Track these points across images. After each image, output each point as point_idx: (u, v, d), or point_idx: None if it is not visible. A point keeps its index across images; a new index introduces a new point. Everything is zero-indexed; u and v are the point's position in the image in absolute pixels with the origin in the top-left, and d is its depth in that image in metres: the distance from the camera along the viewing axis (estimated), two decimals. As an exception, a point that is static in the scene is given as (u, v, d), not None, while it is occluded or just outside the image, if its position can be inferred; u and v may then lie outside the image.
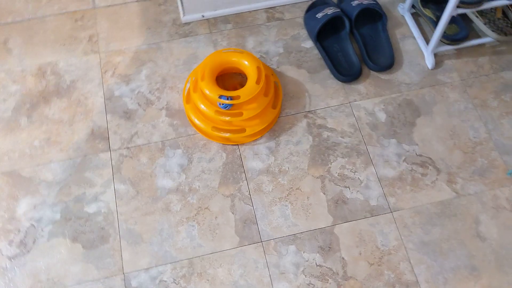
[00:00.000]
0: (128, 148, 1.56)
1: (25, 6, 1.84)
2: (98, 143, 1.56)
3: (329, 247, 1.41)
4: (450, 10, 1.51)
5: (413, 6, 1.79)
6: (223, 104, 1.49)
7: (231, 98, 1.48)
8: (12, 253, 1.40)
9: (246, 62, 1.55)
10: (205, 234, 1.43)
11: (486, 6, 1.54)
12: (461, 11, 1.53)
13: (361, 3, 1.72)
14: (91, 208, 1.46)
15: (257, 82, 1.50)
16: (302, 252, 1.41)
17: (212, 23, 1.80)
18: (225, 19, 1.81)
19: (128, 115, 1.61)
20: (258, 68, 1.52)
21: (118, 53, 1.73)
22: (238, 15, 1.82)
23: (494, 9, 1.72)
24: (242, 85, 1.63)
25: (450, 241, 1.42)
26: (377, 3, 1.77)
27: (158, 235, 1.42)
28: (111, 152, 1.55)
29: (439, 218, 1.45)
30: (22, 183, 1.50)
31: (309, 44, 1.76)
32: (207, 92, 1.49)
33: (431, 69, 1.71)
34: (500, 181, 1.51)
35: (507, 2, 1.54)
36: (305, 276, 1.38)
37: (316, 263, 1.39)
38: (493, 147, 1.57)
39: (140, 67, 1.70)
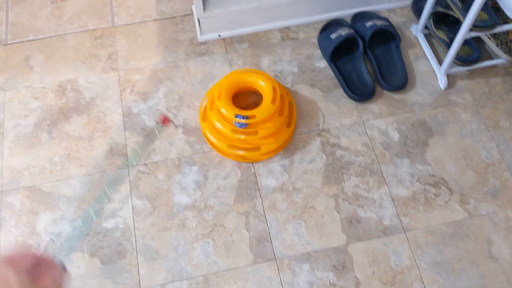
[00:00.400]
0: (145, 164, 1.59)
1: (47, 24, 1.89)
2: (116, 159, 1.60)
3: (343, 266, 1.43)
4: (463, 33, 1.54)
5: (426, 27, 1.82)
6: (239, 123, 1.52)
7: (247, 117, 1.51)
8: (32, 267, 1.43)
9: (261, 82, 1.58)
10: (220, 251, 1.45)
11: (498, 29, 1.56)
12: (474, 34, 1.56)
13: (375, 24, 1.75)
14: (109, 224, 1.49)
15: (272, 102, 1.53)
16: (316, 270, 1.43)
17: (228, 42, 1.84)
18: (241, 38, 1.85)
19: (145, 132, 1.65)
20: (274, 88, 1.56)
21: (137, 71, 1.77)
22: (253, 34, 1.86)
23: (507, 31, 1.75)
24: (256, 103, 1.66)
25: (463, 261, 1.43)
26: (391, 24, 1.80)
27: (174, 251, 1.45)
28: (129, 168, 1.58)
29: (452, 238, 1.47)
30: (42, 198, 1.54)
31: (323, 63, 1.79)
32: (223, 111, 1.52)
33: (444, 90, 1.73)
34: (513, 202, 1.53)
35: (520, 26, 1.56)
36: (319, 294, 1.40)
37: (329, 281, 1.41)
38: (506, 168, 1.58)
39: (158, 85, 1.74)
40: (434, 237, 1.47)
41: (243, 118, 1.51)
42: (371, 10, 1.89)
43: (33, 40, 1.85)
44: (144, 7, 1.93)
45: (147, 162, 1.59)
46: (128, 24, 1.89)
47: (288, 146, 1.63)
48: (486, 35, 1.77)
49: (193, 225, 1.49)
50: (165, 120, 1.57)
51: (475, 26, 1.54)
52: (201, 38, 1.83)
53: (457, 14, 1.60)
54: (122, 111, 1.69)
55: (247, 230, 1.49)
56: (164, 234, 1.48)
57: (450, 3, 1.62)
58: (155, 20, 1.90)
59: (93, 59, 1.80)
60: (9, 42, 1.84)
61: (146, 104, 1.70)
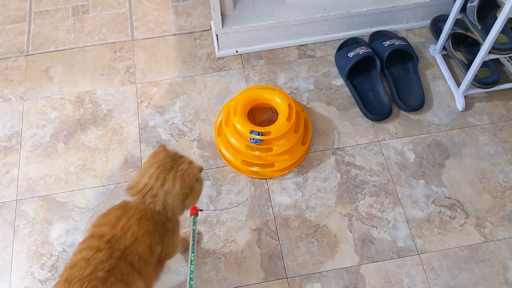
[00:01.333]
0: (159, 177, 1.59)
1: (67, 36, 1.92)
2: (131, 171, 1.61)
3: (355, 287, 1.41)
4: (482, 56, 1.53)
5: (444, 48, 1.81)
6: (253, 139, 1.52)
7: (262, 133, 1.51)
8: (44, 277, 1.44)
9: (278, 99, 1.58)
10: (231, 267, 1.44)
11: (518, 52, 1.55)
12: (492, 56, 1.55)
13: (393, 43, 1.75)
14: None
15: (288, 119, 1.53)
16: (327, 290, 1.41)
17: (245, 58, 1.85)
18: (258, 54, 1.86)
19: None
20: (290, 106, 1.56)
21: (154, 84, 1.79)
22: (270, 51, 1.87)
23: (526, 54, 1.73)
24: (272, 120, 1.67)
25: (477, 286, 1.40)
26: (409, 44, 1.80)
27: (185, 266, 1.45)
28: (143, 181, 1.59)
29: (467, 262, 1.44)
30: (57, 208, 1.55)
31: (339, 81, 1.79)
32: (238, 127, 1.53)
33: (461, 111, 1.71)
34: (530, 227, 1.50)
35: (540, 49, 1.55)
36: (330, 315, 1.38)
37: (341, 302, 1.39)
38: (523, 193, 1.56)
39: (175, 99, 1.76)
40: (449, 261, 1.44)
41: (258, 134, 1.51)
42: (389, 29, 1.89)
43: (53, 51, 1.89)
44: (164, 21, 1.95)
45: (161, 175, 1.59)
46: (147, 38, 1.91)
47: (302, 164, 1.62)
48: (505, 57, 1.76)
49: (205, 239, 1.49)
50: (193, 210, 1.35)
51: (494, 49, 1.53)
52: (218, 53, 1.85)
53: (476, 35, 1.59)
54: (139, 123, 1.70)
55: (259, 247, 1.48)
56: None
57: (469, 24, 1.61)
58: (174, 34, 1.92)
59: (111, 71, 1.83)
60: (30, 53, 1.88)
61: (162, 118, 1.71)
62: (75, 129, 1.70)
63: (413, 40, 1.88)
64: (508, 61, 1.76)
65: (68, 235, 1.50)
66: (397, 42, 1.75)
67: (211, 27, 1.91)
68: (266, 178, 1.60)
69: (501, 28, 1.45)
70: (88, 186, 1.58)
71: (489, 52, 1.54)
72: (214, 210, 1.54)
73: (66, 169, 1.62)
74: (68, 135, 1.68)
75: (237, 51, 1.85)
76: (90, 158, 1.64)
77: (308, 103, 1.75)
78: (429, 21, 1.90)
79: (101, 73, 1.82)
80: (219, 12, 1.69)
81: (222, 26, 1.75)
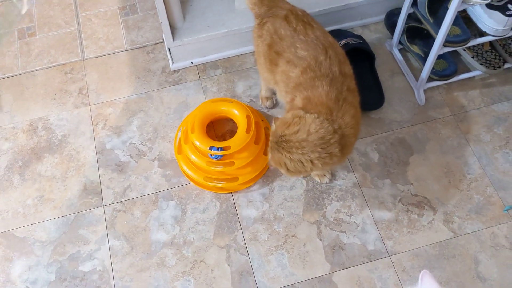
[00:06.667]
0: (121, 202, 1.55)
1: (15, 61, 1.85)
2: (91, 198, 1.56)
3: (328, 296, 1.39)
4: (436, 50, 1.51)
5: (400, 43, 1.80)
6: (214, 155, 1.48)
7: (222, 148, 1.47)
8: (7, 319, 1.38)
9: (235, 111, 1.55)
10: (202, 288, 1.41)
11: (472, 43, 1.54)
12: (447, 49, 1.54)
13: (348, 42, 1.73)
14: (86, 267, 1.45)
15: (247, 131, 1.50)
16: (301, 302, 1.39)
17: (201, 69, 1.81)
18: (214, 64, 1.82)
19: (120, 168, 1.61)
20: (248, 117, 1.52)
21: (109, 104, 1.74)
22: (226, 59, 1.83)
23: (482, 43, 1.73)
24: (233, 131, 1.63)
25: (450, 284, 1.40)
26: (364, 41, 1.77)
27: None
28: (105, 207, 1.54)
29: (438, 260, 1.43)
30: (16, 243, 1.49)
31: (298, 85, 1.76)
32: (197, 143, 1.49)
33: (422, 105, 1.70)
34: (498, 218, 1.50)
35: (492, 38, 1.54)
36: (305, 328, 1.36)
37: (315, 313, 1.37)
38: (489, 183, 1.55)
39: (131, 117, 1.71)
40: (420, 260, 1.43)
41: (218, 149, 1.48)
42: (344, 27, 1.87)
43: (1, 78, 1.81)
44: (114, 37, 1.89)
45: (122, 199, 1.55)
46: (98, 56, 1.85)
47: (267, 174, 1.59)
48: (461, 48, 1.75)
49: (173, 262, 1.45)
50: None
51: (448, 42, 1.52)
52: (173, 66, 1.80)
53: (429, 29, 1.58)
54: (95, 147, 1.65)
55: (229, 265, 1.45)
56: (143, 275, 1.43)
57: (421, 18, 1.60)
58: (126, 50, 1.86)
59: (63, 94, 1.76)
60: (-23, 82, 1.80)
61: (120, 139, 1.66)
62: (30, 159, 1.63)
63: (368, 36, 1.86)
64: (465, 50, 1.75)
65: (31, 271, 1.45)
66: (352, 41, 1.73)
67: (163, 39, 1.86)
68: (231, 192, 1.57)
69: (453, 20, 1.43)
70: (47, 218, 1.53)
71: (443, 46, 1.53)
72: None
73: (23, 202, 1.56)
74: (23, 166, 1.62)
75: (192, 63, 1.80)
76: (47, 188, 1.58)
77: (268, 111, 1.72)
78: (383, 16, 1.89)
79: (53, 97, 1.76)
80: (168, 26, 1.64)
81: (174, 39, 1.70)
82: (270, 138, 1.26)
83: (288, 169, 1.23)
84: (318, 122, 1.19)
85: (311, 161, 1.19)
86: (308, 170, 1.21)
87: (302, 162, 1.19)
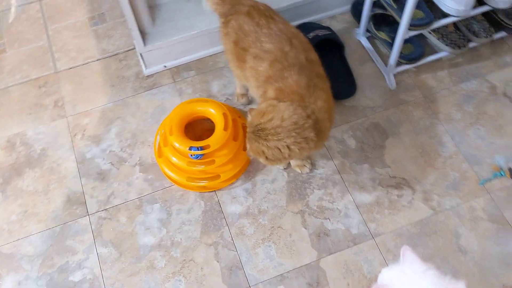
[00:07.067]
0: (106, 210, 1.56)
1: (-13, 79, 1.84)
2: (75, 209, 1.56)
3: (317, 283, 1.42)
4: (401, 34, 1.56)
5: (368, 31, 1.84)
6: (194, 154, 1.50)
7: (201, 148, 1.49)
8: (1, 335, 1.38)
9: (212, 110, 1.57)
10: (192, 287, 1.43)
11: (435, 25, 1.59)
12: (412, 33, 1.58)
13: (317, 34, 1.76)
14: (76, 277, 1.46)
15: (225, 128, 1.52)
16: (291, 291, 1.42)
17: (175, 72, 1.83)
18: (187, 66, 1.84)
19: (102, 176, 1.62)
20: (224, 115, 1.54)
21: (85, 114, 1.74)
22: (199, 61, 1.84)
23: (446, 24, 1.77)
24: (212, 129, 1.65)
25: (434, 259, 1.44)
26: (333, 32, 1.81)
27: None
28: (90, 216, 1.55)
29: (420, 237, 1.48)
30: (4, 260, 1.49)
31: (272, 80, 1.79)
32: (177, 145, 1.50)
33: (393, 90, 1.75)
34: (474, 192, 1.55)
35: (455, 19, 1.59)
36: (297, 315, 1.39)
37: (306, 300, 1.40)
38: (463, 159, 1.60)
39: (109, 125, 1.71)
40: (403, 239, 1.47)
41: (198, 149, 1.49)
42: (312, 20, 1.90)
43: (-25, 97, 1.81)
44: (85, 48, 1.90)
45: (107, 207, 1.56)
46: (71, 68, 1.85)
47: (248, 169, 1.62)
48: (426, 31, 1.80)
49: (162, 264, 1.47)
50: None
51: (412, 25, 1.56)
52: (146, 71, 1.81)
53: (393, 15, 1.62)
54: (76, 158, 1.65)
55: (218, 261, 1.47)
56: (134, 279, 1.44)
57: (385, 5, 1.64)
58: (98, 59, 1.87)
59: (39, 108, 1.77)
60: (-49, 103, 1.79)
61: (99, 147, 1.67)
62: (11, 175, 1.63)
63: (337, 27, 1.90)
64: (430, 33, 1.80)
65: (21, 286, 1.45)
66: (321, 33, 1.77)
67: (135, 45, 1.87)
68: (214, 190, 1.59)
69: (415, 4, 1.47)
70: (33, 232, 1.53)
71: (409, 29, 1.57)
72: None
73: (7, 218, 1.56)
74: (4, 183, 1.62)
75: (165, 66, 1.82)
76: (31, 202, 1.58)
77: (245, 107, 1.74)
78: (349, 6, 1.92)
79: (28, 112, 1.76)
80: (138, 31, 1.66)
81: (145, 44, 1.71)
82: (247, 129, 1.29)
83: (267, 157, 1.26)
84: (291, 108, 1.22)
85: (288, 146, 1.22)
86: (286, 156, 1.24)
87: (279, 149, 1.22)
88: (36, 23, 1.98)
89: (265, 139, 1.22)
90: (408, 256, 1.09)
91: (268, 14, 1.40)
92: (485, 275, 1.41)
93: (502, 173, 1.56)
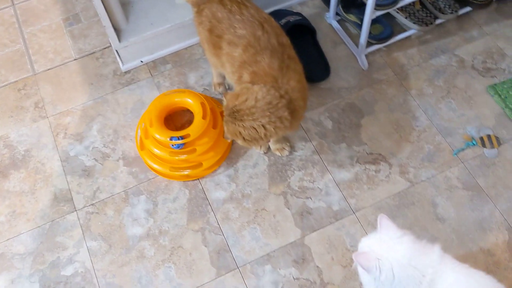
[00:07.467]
0: (93, 204, 1.59)
1: (-34, 85, 1.86)
2: (63, 206, 1.59)
3: (303, 259, 1.47)
4: (369, 15, 1.60)
5: (337, 14, 1.88)
6: (175, 144, 1.54)
7: (182, 137, 1.53)
8: (-2, 333, 1.41)
9: (189, 100, 1.60)
10: (183, 272, 1.47)
11: (401, 4, 1.64)
12: (379, 13, 1.63)
13: (289, 20, 1.80)
14: (68, 271, 1.49)
15: (204, 117, 1.56)
16: (278, 269, 1.46)
17: (152, 66, 1.86)
18: (164, 60, 1.87)
19: (87, 172, 1.65)
20: (202, 104, 1.58)
21: (66, 113, 1.77)
22: (175, 54, 1.88)
23: (413, 2, 1.83)
24: (191, 120, 1.69)
25: (413, 228, 1.49)
26: (304, 18, 1.85)
27: (138, 283, 1.46)
28: (77, 212, 1.58)
29: (399, 209, 1.53)
30: (-5, 261, 1.52)
31: (248, 68, 1.83)
32: (158, 136, 1.54)
33: (366, 70, 1.80)
34: (448, 162, 1.60)
35: (419, -3, 1.64)
36: (285, 292, 1.43)
37: (293, 277, 1.45)
38: (436, 132, 1.66)
39: (90, 123, 1.74)
40: (382, 212, 1.52)
41: (178, 139, 1.53)
42: (283, 7, 1.94)
43: (-45, 104, 1.82)
44: (62, 49, 1.92)
45: (94, 202, 1.59)
46: (49, 69, 1.87)
47: (229, 156, 1.66)
48: (394, 10, 1.85)
49: (152, 253, 1.50)
50: None
51: (378, 5, 1.61)
52: (124, 67, 1.84)
53: (360, -3, 1.67)
54: (60, 156, 1.68)
55: (205, 246, 1.51)
56: (125, 269, 1.48)
57: (351, -13, 1.69)
58: (75, 59, 1.89)
59: (20, 111, 1.79)
60: None
61: (82, 145, 1.70)
62: (-4, 177, 1.66)
63: (307, 12, 1.94)
64: (398, 12, 1.85)
65: (14, 284, 1.48)
66: (292, 19, 1.81)
67: (110, 43, 1.90)
68: (198, 179, 1.63)
69: (380, -15, 1.52)
70: (23, 231, 1.56)
71: (375, 9, 1.61)
72: None
73: (-4, 220, 1.58)
74: (-10, 186, 1.64)
75: (142, 61, 1.85)
76: (18, 203, 1.60)
77: (223, 96, 1.78)
78: (319, -9, 1.97)
79: (10, 115, 1.78)
80: (112, 29, 1.68)
81: (120, 41, 1.74)
82: (224, 113, 1.33)
83: (244, 138, 1.30)
84: (265, 89, 1.27)
85: (263, 126, 1.27)
86: (262, 136, 1.29)
87: (255, 128, 1.27)
88: (11, 27, 2.00)
89: (241, 120, 1.27)
90: (384, 223, 1.14)
91: (240, 0, 1.44)
92: (463, 240, 1.47)
93: (474, 143, 1.62)
